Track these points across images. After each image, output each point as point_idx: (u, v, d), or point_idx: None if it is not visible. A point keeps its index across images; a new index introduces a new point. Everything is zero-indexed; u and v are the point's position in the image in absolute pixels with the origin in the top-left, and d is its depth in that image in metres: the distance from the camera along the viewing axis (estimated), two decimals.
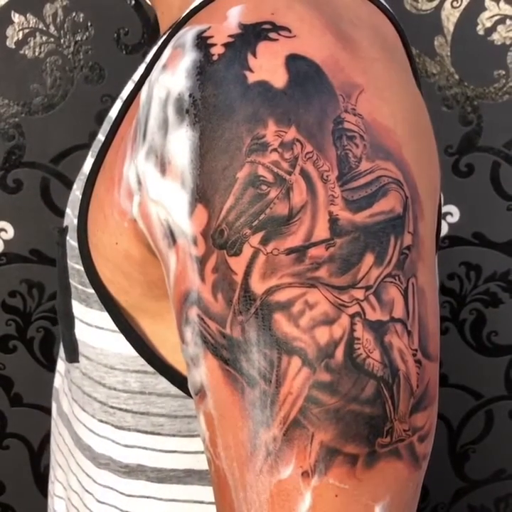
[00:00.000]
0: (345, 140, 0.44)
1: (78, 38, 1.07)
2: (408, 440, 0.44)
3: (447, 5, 1.09)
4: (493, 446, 1.31)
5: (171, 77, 0.46)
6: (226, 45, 0.45)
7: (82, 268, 0.56)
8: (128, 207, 0.50)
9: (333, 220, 0.43)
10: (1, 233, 1.15)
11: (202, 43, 0.46)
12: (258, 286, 0.43)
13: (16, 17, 1.07)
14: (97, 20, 1.07)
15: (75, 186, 0.62)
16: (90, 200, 0.56)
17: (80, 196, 0.57)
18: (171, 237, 0.46)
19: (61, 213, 1.12)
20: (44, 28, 1.07)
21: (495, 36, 1.10)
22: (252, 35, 0.45)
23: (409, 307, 0.44)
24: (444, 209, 1.19)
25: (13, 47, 1.07)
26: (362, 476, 0.43)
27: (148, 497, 0.58)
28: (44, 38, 1.07)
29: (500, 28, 1.10)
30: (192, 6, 0.52)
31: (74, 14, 1.07)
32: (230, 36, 0.46)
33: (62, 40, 1.07)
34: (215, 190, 0.44)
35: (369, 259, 0.43)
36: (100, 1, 1.07)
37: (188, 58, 0.46)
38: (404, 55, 0.55)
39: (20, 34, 1.07)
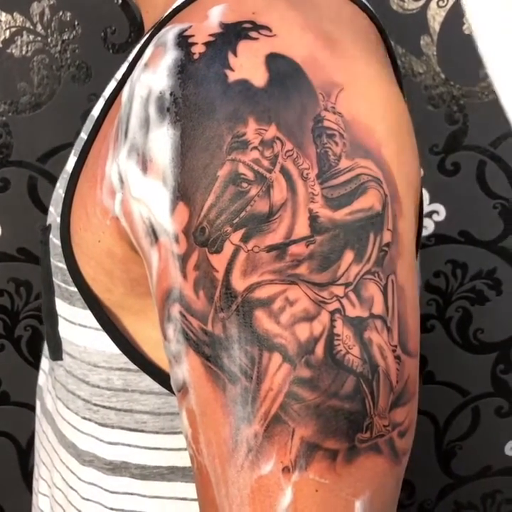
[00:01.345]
0: (325, 138, 0.44)
1: (65, 36, 1.08)
2: (388, 435, 0.44)
3: (433, 4, 1.09)
4: (480, 443, 1.32)
5: (152, 76, 0.47)
6: (207, 44, 0.46)
7: (65, 266, 0.56)
8: (110, 205, 0.50)
9: (313, 218, 0.43)
10: None
11: (183, 41, 0.46)
12: (239, 283, 0.43)
13: (3, 15, 1.07)
14: (84, 19, 1.08)
15: (58, 184, 0.62)
16: (73, 198, 0.56)
17: (63, 194, 0.57)
18: (153, 234, 0.46)
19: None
20: (31, 27, 1.07)
21: None
22: (233, 34, 0.46)
23: (389, 304, 0.44)
24: (430, 207, 1.20)
25: (0, 45, 1.07)
26: (342, 471, 0.43)
27: (132, 494, 0.59)
28: (31, 37, 1.07)
29: None
30: (174, 5, 0.53)
31: (61, 13, 1.07)
32: (210, 35, 0.46)
33: (49, 39, 1.08)
34: (196, 188, 0.44)
35: (348, 256, 0.43)
36: (87, 0, 1.07)
37: (169, 57, 0.46)
38: (386, 54, 0.56)
39: (7, 33, 1.07)
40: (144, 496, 0.58)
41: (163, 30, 0.50)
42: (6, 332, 1.20)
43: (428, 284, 1.24)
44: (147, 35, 0.55)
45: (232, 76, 0.44)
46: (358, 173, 0.44)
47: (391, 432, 0.44)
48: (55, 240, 0.58)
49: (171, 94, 0.45)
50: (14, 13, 1.07)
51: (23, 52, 1.08)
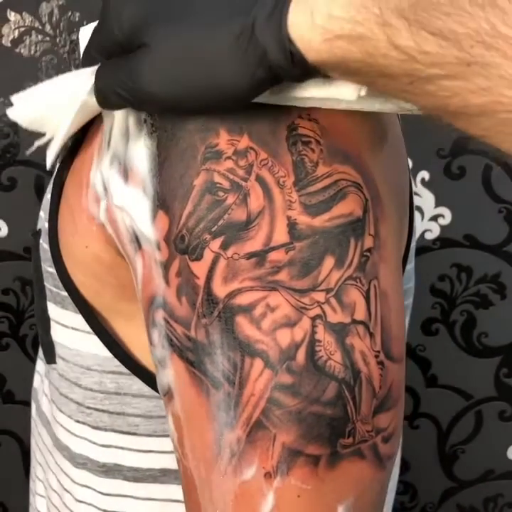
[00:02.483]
0: (300, 145, 0.44)
1: (74, 37, 1.08)
2: (371, 441, 0.44)
3: None
4: (483, 446, 1.32)
5: None
6: None
7: (55, 271, 0.56)
8: (96, 212, 0.51)
9: (291, 225, 0.43)
10: None
11: None
12: (220, 290, 0.43)
13: (12, 15, 1.07)
14: (93, 19, 1.07)
15: (48, 188, 0.62)
16: (60, 203, 0.56)
17: (50, 199, 0.57)
18: (137, 242, 0.47)
19: None
20: (40, 27, 1.07)
21: None
22: None
23: (372, 309, 0.44)
24: (436, 211, 1.20)
25: (9, 45, 1.08)
26: (324, 477, 0.43)
27: (125, 496, 0.59)
28: (40, 37, 1.08)
29: None
30: None
31: (70, 13, 1.07)
32: None
33: (57, 39, 1.08)
34: (174, 197, 0.44)
35: (329, 262, 0.43)
36: (96, 0, 1.07)
37: None
38: None
39: (16, 32, 1.07)
40: (137, 498, 0.58)
41: None
42: (11, 331, 1.20)
43: (433, 287, 1.24)
44: None
45: None
46: (336, 179, 0.44)
47: (374, 437, 0.44)
48: (45, 244, 0.58)
49: None
50: (23, 13, 1.07)
51: (32, 52, 1.08)
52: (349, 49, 0.38)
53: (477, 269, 1.24)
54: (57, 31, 1.08)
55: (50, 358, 0.60)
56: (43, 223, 0.59)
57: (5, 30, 1.07)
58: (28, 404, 1.22)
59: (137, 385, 0.56)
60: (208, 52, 0.40)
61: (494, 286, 1.25)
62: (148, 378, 0.55)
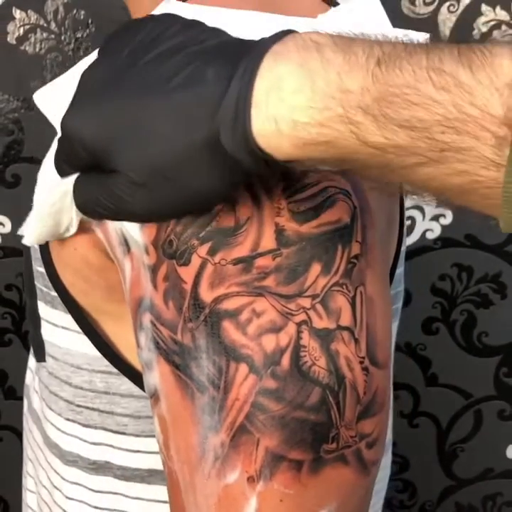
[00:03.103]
0: None
1: (79, 35, 1.08)
2: (355, 446, 0.44)
3: (444, 9, 1.10)
4: (482, 445, 1.33)
5: None
6: None
7: (44, 271, 0.56)
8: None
9: (279, 231, 0.43)
10: None
11: None
12: (207, 295, 0.43)
13: (18, 13, 1.07)
14: (97, 18, 1.08)
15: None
16: None
17: None
18: (126, 245, 0.47)
19: None
20: (45, 25, 1.08)
21: None
22: None
23: (357, 315, 0.44)
24: (437, 211, 1.20)
25: (14, 43, 1.08)
26: (307, 482, 0.43)
27: (116, 493, 0.59)
28: (45, 35, 1.08)
29: (495, 33, 1.11)
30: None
31: (75, 11, 1.08)
32: None
33: (62, 37, 1.08)
34: None
35: (315, 268, 0.43)
36: None
37: None
38: None
39: (22, 30, 1.08)
40: (127, 496, 0.59)
41: None
42: (13, 327, 1.20)
43: (433, 286, 1.25)
44: None
45: None
46: (325, 186, 0.44)
47: (358, 443, 0.44)
48: (35, 245, 0.58)
49: None
50: (28, 11, 1.07)
51: (37, 50, 1.09)
52: (320, 150, 0.37)
53: (478, 268, 1.24)
54: (62, 29, 1.08)
55: (40, 356, 0.61)
56: None
57: (10, 27, 1.07)
58: None
59: (126, 385, 0.56)
60: (180, 170, 0.39)
61: (495, 286, 1.25)
62: (137, 378, 0.55)
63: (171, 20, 0.42)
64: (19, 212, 1.20)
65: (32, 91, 1.09)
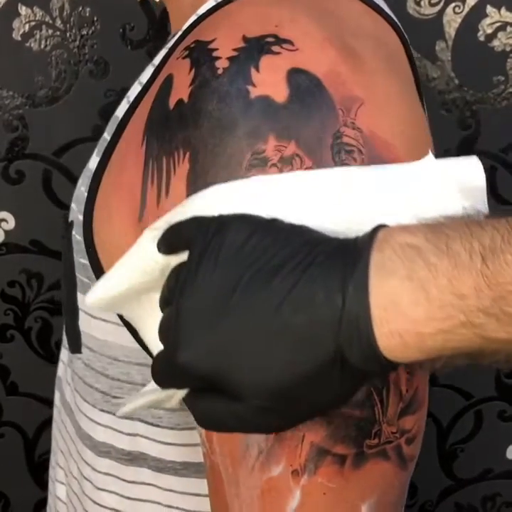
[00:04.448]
0: (343, 154, 0.45)
1: (84, 32, 1.08)
2: (396, 442, 0.45)
3: (449, 10, 1.10)
4: (482, 446, 1.33)
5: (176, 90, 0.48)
6: (230, 59, 0.46)
7: (88, 263, 0.57)
8: (135, 211, 0.52)
9: None
10: (2, 223, 1.16)
11: (207, 55, 0.47)
12: None
13: (23, 9, 1.07)
14: (103, 14, 1.08)
15: (79, 182, 0.63)
16: (96, 198, 0.57)
17: (86, 193, 0.58)
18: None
19: (62, 205, 1.13)
20: (50, 21, 1.08)
21: (495, 43, 1.11)
22: (256, 48, 0.46)
23: None
24: None
25: (19, 39, 1.08)
26: (350, 476, 0.44)
27: (149, 484, 0.60)
28: (50, 31, 1.08)
29: (500, 34, 1.11)
30: (200, 12, 0.53)
31: (80, 8, 1.08)
32: (234, 50, 0.47)
33: (68, 34, 1.08)
34: None
35: None
36: None
37: (194, 71, 0.47)
38: (407, 63, 0.56)
39: (27, 27, 1.08)
40: (160, 487, 0.60)
41: (187, 40, 0.50)
42: (16, 323, 1.20)
43: None
44: (173, 41, 0.55)
45: (254, 92, 0.45)
46: None
47: (399, 438, 0.45)
48: (77, 236, 0.59)
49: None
50: (34, 7, 1.07)
51: (42, 47, 1.08)
52: (446, 352, 0.38)
53: None
54: (68, 26, 1.08)
55: (76, 347, 0.61)
56: (76, 215, 0.60)
57: (15, 24, 1.07)
58: (31, 396, 1.23)
59: None
60: (307, 389, 0.39)
61: None
62: None
63: (248, 226, 0.41)
64: (23, 209, 1.21)
65: (36, 88, 1.09)
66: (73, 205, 0.62)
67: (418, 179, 0.42)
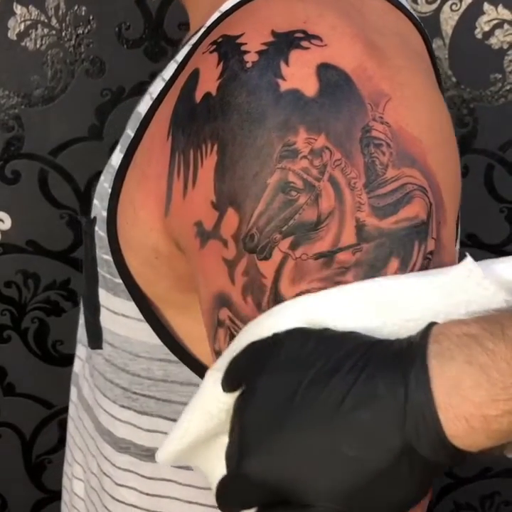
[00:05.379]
0: (372, 148, 0.45)
1: (80, 31, 1.08)
2: None
3: (446, 8, 1.10)
4: None
5: (205, 84, 0.48)
6: (260, 52, 0.47)
7: (111, 258, 0.57)
8: (161, 206, 0.51)
9: (359, 226, 0.44)
10: None
11: (236, 49, 0.47)
12: (288, 290, 0.44)
13: (18, 9, 1.07)
14: (98, 14, 1.08)
15: (102, 178, 0.63)
16: (120, 194, 0.57)
17: (109, 190, 0.58)
18: (203, 237, 0.47)
19: (58, 205, 1.13)
20: (46, 21, 1.07)
21: (492, 40, 1.11)
22: (285, 43, 0.47)
23: None
24: None
25: (15, 38, 1.08)
26: None
27: (168, 480, 0.60)
28: (46, 31, 1.08)
29: (497, 32, 1.11)
30: (223, 9, 0.53)
31: (76, 7, 1.07)
32: (263, 44, 0.47)
33: (63, 33, 1.08)
34: (246, 195, 0.45)
35: (394, 264, 0.44)
36: None
37: (222, 65, 0.47)
38: (429, 60, 0.57)
39: (22, 26, 1.07)
40: (180, 483, 0.60)
41: (213, 35, 0.50)
42: (13, 324, 1.20)
43: None
44: (196, 38, 0.55)
45: (284, 85, 0.45)
46: (403, 183, 0.45)
47: None
48: (100, 232, 0.59)
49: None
50: (29, 7, 1.07)
51: (38, 46, 1.08)
52: (508, 436, 0.39)
53: None
54: (63, 25, 1.08)
55: (96, 343, 0.62)
56: (99, 211, 0.60)
57: (11, 23, 1.07)
58: (28, 396, 1.23)
59: (185, 373, 0.57)
60: (379, 485, 0.39)
61: None
62: (197, 367, 0.56)
63: (301, 336, 0.42)
64: (19, 209, 1.21)
65: (32, 87, 1.09)
66: (96, 202, 0.62)
67: (464, 286, 0.43)
